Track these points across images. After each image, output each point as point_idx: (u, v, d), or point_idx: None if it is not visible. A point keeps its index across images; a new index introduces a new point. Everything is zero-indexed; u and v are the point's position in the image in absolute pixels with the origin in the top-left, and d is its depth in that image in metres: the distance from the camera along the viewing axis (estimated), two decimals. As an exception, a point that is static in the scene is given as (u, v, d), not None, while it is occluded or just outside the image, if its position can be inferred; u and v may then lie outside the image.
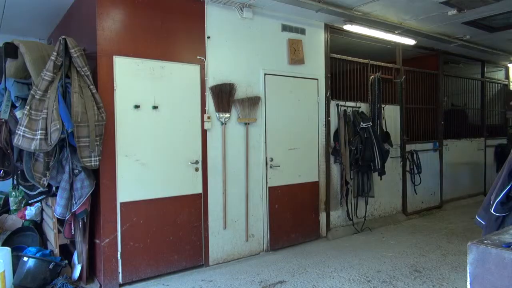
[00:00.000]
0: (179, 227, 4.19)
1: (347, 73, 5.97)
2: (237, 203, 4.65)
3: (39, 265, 3.60)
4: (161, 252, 4.07)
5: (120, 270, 3.83)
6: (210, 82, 4.40)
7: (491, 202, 2.34)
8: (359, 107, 5.84)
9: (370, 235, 5.65)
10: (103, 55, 3.75)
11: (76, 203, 3.59)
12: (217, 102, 4.43)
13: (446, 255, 4.65)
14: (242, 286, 3.87)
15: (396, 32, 5.88)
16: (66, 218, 3.68)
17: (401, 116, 6.64)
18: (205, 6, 4.39)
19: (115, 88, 3.81)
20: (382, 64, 6.38)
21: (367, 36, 5.87)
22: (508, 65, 9.26)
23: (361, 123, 5.56)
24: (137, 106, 3.92)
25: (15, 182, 4.06)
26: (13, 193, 4.72)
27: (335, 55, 5.68)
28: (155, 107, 4.02)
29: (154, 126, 4.04)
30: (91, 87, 3.58)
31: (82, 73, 3.57)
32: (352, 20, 5.28)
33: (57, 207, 3.59)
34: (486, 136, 8.61)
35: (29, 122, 3.40)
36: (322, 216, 5.47)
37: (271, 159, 4.90)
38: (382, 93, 6.10)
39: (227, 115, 4.50)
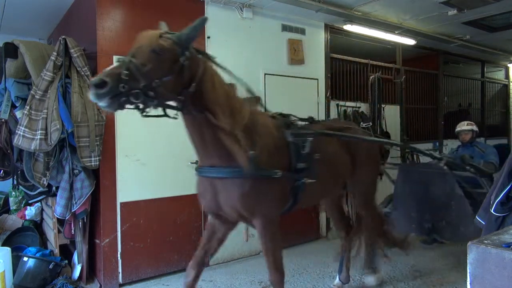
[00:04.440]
0: (179, 227, 4.19)
1: (347, 73, 5.97)
2: (237, 203, 4.64)
3: (39, 265, 3.60)
4: (161, 252, 4.07)
5: (120, 270, 3.83)
6: (210, 82, 4.40)
7: (491, 202, 2.34)
8: (359, 107, 5.83)
9: (370, 235, 5.64)
10: (103, 55, 3.75)
11: (76, 203, 3.59)
12: (217, 102, 4.41)
13: (446, 255, 4.64)
14: (242, 286, 3.86)
15: (396, 32, 5.87)
16: (66, 218, 3.68)
17: (401, 116, 6.63)
18: (205, 6, 4.39)
19: (115, 88, 3.80)
20: (382, 64, 6.38)
21: (367, 36, 5.87)
22: (508, 65, 9.26)
23: (361, 123, 5.56)
24: (137, 106, 3.90)
25: (15, 182, 4.06)
26: (13, 193, 4.72)
27: (335, 55, 5.68)
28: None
29: (154, 126, 4.03)
30: (91, 87, 3.57)
31: (82, 73, 3.57)
32: (352, 20, 5.27)
33: (57, 207, 3.59)
34: (486, 136, 8.61)
35: (29, 122, 3.40)
36: (322, 216, 5.47)
37: (271, 159, 4.86)
38: (382, 93, 6.10)
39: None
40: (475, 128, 4.95)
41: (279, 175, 2.51)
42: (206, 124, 2.30)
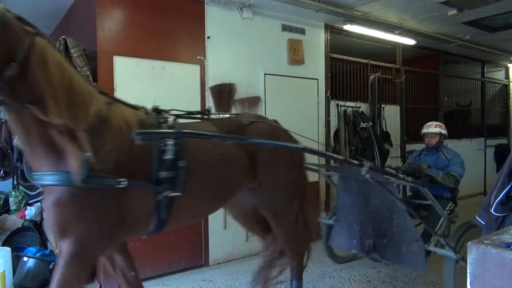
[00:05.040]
0: (179, 227, 4.18)
1: (347, 73, 5.97)
2: (237, 203, 4.64)
3: (39, 265, 3.61)
4: (161, 252, 4.06)
5: (120, 270, 3.83)
6: (210, 82, 4.40)
7: (491, 202, 2.34)
8: (359, 107, 5.83)
9: (370, 235, 5.64)
10: (103, 55, 3.75)
11: (76, 203, 3.58)
12: (217, 102, 4.43)
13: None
14: (242, 286, 3.86)
15: (396, 32, 5.87)
16: (66, 218, 3.67)
17: (401, 116, 6.63)
18: (205, 6, 4.39)
19: (115, 88, 3.80)
20: (382, 64, 6.39)
21: (367, 36, 5.87)
22: (508, 65, 9.26)
23: (361, 123, 5.57)
24: (137, 106, 3.90)
25: (15, 182, 4.06)
26: (13, 193, 4.73)
27: (335, 55, 5.68)
28: (155, 107, 4.01)
29: (154, 126, 4.03)
30: (91, 87, 3.56)
31: (82, 73, 3.57)
32: (352, 20, 5.28)
33: (57, 207, 3.58)
34: (486, 136, 8.61)
35: (29, 122, 3.39)
36: (323, 216, 5.46)
37: (271, 159, 4.85)
38: (382, 93, 6.10)
39: (227, 115, 4.49)
40: (443, 131, 4.35)
41: (124, 184, 1.89)
42: (32, 118, 1.76)
